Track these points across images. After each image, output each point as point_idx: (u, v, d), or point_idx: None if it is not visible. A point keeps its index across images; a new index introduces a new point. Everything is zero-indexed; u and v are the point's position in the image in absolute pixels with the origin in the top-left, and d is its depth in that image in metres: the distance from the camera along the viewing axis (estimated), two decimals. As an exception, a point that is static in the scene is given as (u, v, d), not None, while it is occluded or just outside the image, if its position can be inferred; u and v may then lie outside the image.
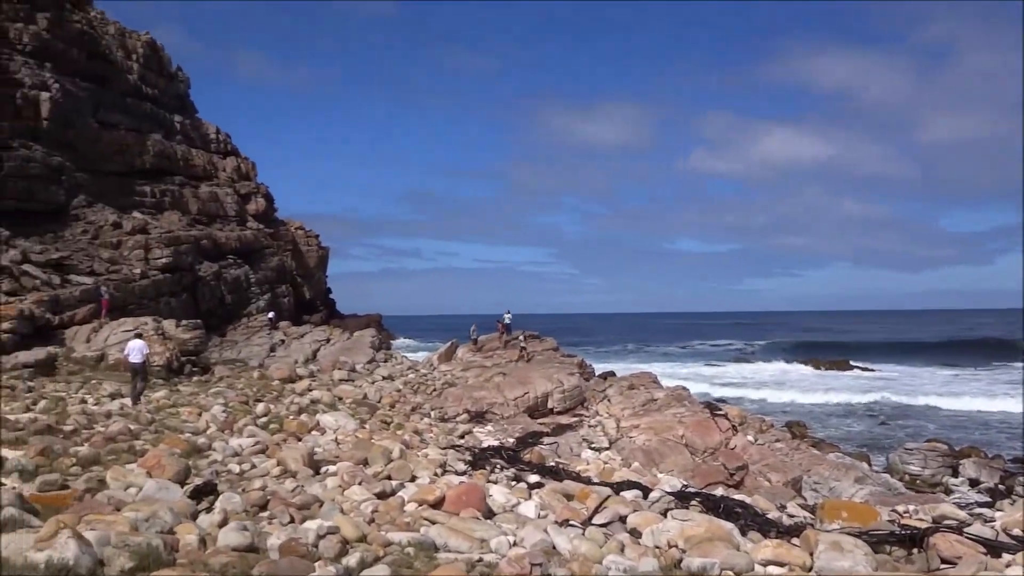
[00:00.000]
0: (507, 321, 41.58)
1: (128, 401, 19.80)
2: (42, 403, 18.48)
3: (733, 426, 25.59)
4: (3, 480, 10.54)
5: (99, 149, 50.68)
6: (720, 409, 28.06)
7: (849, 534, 9.92)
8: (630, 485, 14.15)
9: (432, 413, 25.38)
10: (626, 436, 25.30)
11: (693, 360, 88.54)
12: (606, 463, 20.57)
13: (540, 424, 26.13)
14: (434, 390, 29.90)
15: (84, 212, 45.33)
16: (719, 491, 17.17)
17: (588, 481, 15.12)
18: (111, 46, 57.42)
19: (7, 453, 12.00)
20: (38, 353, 26.27)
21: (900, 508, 15.31)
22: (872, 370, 70.79)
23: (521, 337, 38.77)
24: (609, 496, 12.02)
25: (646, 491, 13.50)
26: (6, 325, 27.51)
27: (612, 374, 38.48)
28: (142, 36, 62.37)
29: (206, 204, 59.30)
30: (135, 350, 20.86)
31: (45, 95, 45.31)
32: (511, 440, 22.22)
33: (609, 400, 29.44)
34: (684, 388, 31.24)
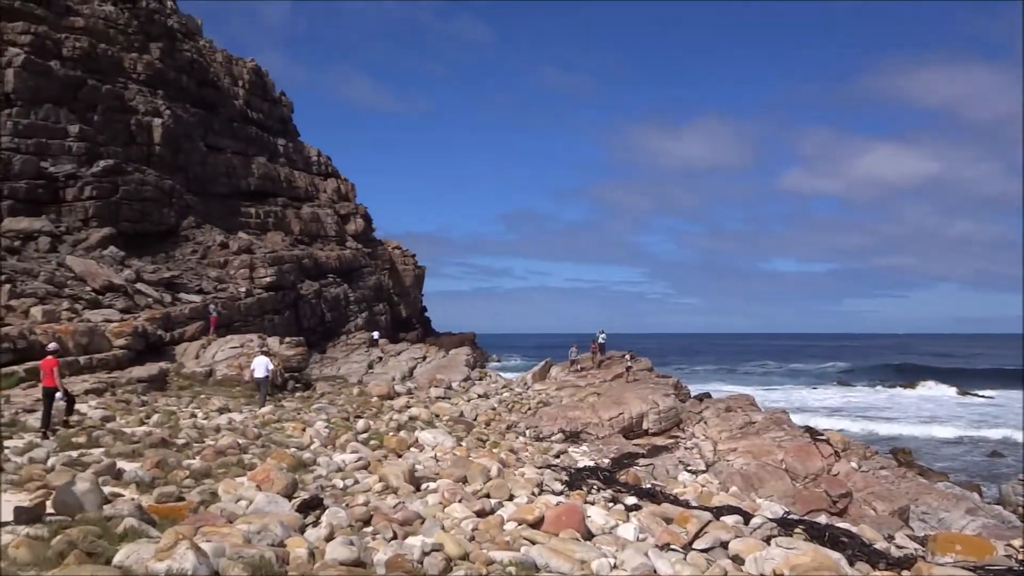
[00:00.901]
0: (601, 341, 41.53)
1: (236, 415, 20.58)
2: (155, 417, 19.27)
3: (835, 452, 24.85)
4: (122, 491, 11.03)
5: (207, 172, 52.80)
6: (821, 434, 27.29)
7: (964, 568, 9.57)
8: (730, 510, 13.88)
9: (527, 432, 25.42)
10: (723, 459, 24.80)
11: (793, 382, 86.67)
12: (704, 486, 20.25)
13: (635, 445, 25.88)
14: (528, 409, 29.89)
15: (193, 233, 47.14)
16: (822, 519, 16.76)
17: (686, 504, 14.91)
18: (219, 73, 59.88)
19: (124, 465, 12.57)
20: (151, 368, 27.36)
21: (1016, 542, 14.73)
22: (984, 396, 67.93)
23: (627, 357, 38.75)
24: (710, 521, 11.85)
25: (747, 516, 13.22)
26: (121, 341, 28.74)
27: (708, 395, 37.89)
28: (248, 63, 64.76)
29: (308, 224, 60.96)
30: (260, 366, 23.76)
31: (157, 121, 47.44)
32: (606, 461, 22.09)
33: (706, 422, 28.92)
34: (783, 411, 30.50)
